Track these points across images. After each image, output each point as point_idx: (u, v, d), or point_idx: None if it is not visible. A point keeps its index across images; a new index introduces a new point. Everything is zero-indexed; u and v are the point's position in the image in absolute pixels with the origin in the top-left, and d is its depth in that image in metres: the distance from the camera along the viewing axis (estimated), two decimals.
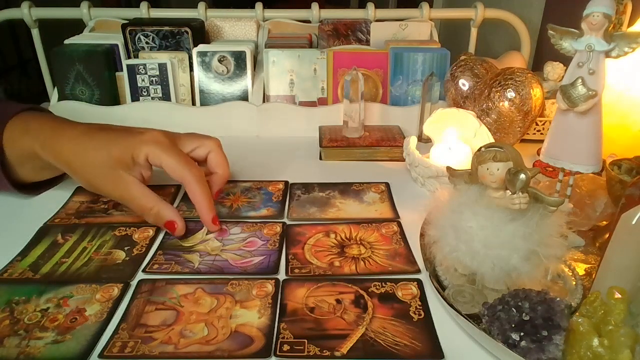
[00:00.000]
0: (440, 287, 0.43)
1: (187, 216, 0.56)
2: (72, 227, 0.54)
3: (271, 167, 0.69)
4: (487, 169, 0.39)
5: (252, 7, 0.91)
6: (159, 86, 0.79)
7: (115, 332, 0.39)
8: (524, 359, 0.34)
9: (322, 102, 0.82)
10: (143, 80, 0.79)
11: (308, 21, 0.93)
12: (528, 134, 0.71)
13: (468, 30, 0.97)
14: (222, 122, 0.79)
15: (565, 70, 0.47)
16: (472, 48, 0.97)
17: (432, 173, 0.60)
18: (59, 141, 0.51)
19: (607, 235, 0.44)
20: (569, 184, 0.51)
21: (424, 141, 0.73)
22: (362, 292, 0.44)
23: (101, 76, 0.78)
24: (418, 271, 0.47)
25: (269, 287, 0.44)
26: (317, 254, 0.49)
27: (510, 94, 0.62)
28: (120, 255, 0.49)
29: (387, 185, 0.63)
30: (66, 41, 0.81)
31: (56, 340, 0.38)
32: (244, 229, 0.53)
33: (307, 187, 0.63)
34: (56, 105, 0.78)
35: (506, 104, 0.63)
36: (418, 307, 0.42)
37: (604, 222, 0.52)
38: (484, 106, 0.65)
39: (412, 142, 0.64)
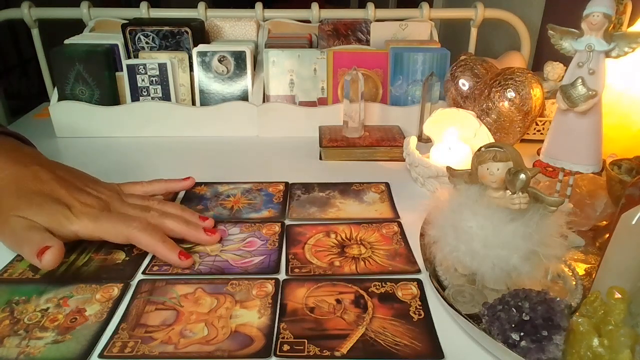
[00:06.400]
0: (440, 287, 0.43)
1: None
2: None
3: (271, 167, 0.69)
4: (487, 169, 0.39)
5: (252, 7, 0.91)
6: (159, 86, 0.79)
7: (115, 332, 0.39)
8: (524, 359, 0.34)
9: (322, 102, 0.82)
10: (143, 80, 0.79)
11: (308, 21, 0.93)
12: (528, 134, 0.71)
13: (468, 30, 0.97)
14: (222, 122, 0.79)
15: (565, 70, 0.47)
16: (472, 48, 0.97)
17: (432, 173, 0.60)
18: None
19: (607, 235, 0.44)
20: (569, 184, 0.51)
21: (424, 141, 0.73)
22: (362, 292, 0.44)
23: (101, 76, 0.78)
24: (418, 271, 0.47)
25: (269, 287, 0.44)
26: (317, 254, 0.49)
27: (510, 94, 0.62)
28: (120, 255, 0.49)
29: (387, 185, 0.63)
30: (66, 41, 0.81)
31: (56, 340, 0.38)
32: (242, 229, 0.53)
33: (307, 187, 0.63)
34: (56, 105, 0.78)
35: (506, 104, 0.63)
36: (418, 307, 0.42)
37: (604, 222, 0.52)
38: (484, 106, 0.65)
39: (412, 142, 0.64)
